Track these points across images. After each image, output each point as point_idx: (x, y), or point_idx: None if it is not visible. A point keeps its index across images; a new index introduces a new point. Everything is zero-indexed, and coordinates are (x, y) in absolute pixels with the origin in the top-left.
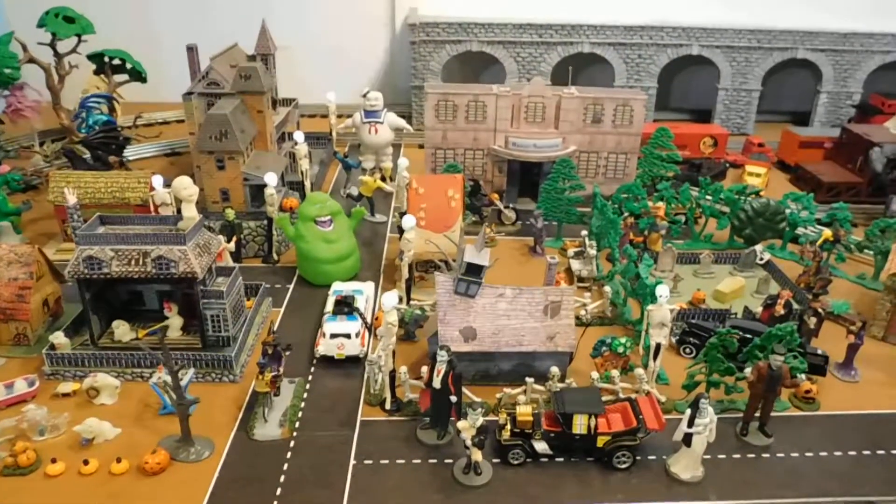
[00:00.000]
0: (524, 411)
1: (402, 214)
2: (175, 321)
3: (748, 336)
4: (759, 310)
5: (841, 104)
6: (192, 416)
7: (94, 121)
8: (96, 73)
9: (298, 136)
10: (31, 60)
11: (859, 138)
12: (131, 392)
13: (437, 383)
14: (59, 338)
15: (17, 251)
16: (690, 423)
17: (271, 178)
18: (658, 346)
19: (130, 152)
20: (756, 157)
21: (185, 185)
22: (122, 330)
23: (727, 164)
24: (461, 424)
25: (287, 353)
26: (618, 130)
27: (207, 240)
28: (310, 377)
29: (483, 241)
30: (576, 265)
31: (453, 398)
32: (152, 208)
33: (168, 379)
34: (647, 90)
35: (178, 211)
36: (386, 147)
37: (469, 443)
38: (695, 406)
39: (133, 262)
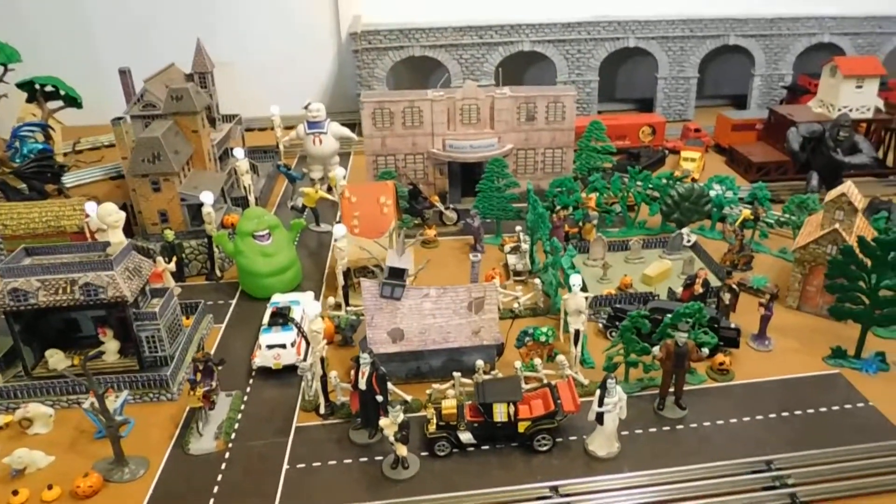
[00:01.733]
0: (449, 405)
1: (337, 223)
2: (111, 345)
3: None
4: (679, 290)
5: (774, 86)
6: (129, 437)
7: (28, 150)
8: (28, 101)
9: (238, 152)
10: None
11: (784, 118)
12: (68, 420)
13: (362, 385)
14: None
15: None
16: (601, 403)
17: (207, 197)
18: (577, 332)
19: (71, 179)
20: (692, 142)
21: (110, 212)
22: (56, 359)
23: (665, 152)
24: (383, 422)
25: (219, 367)
26: (551, 126)
27: (138, 263)
28: (248, 389)
29: (403, 245)
30: (512, 260)
31: (379, 398)
32: (88, 235)
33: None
34: (589, 84)
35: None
36: (332, 157)
37: (392, 439)
38: (603, 386)
39: (60, 290)
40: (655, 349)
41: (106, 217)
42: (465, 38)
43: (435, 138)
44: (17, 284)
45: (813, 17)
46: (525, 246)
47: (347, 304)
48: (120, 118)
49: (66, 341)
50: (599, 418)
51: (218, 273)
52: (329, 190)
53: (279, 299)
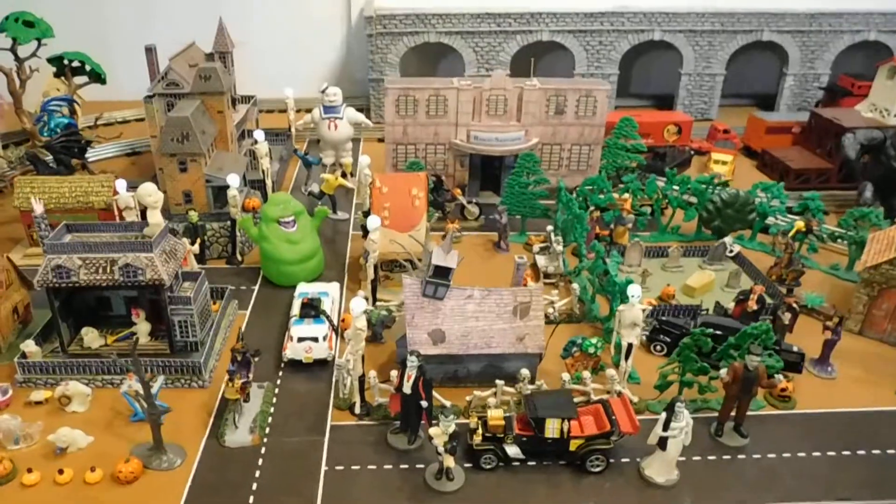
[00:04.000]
0: (496, 415)
1: (365, 214)
2: (143, 327)
3: (720, 333)
4: (730, 305)
5: (808, 87)
6: (164, 424)
7: (55, 124)
8: (56, 75)
9: (258, 134)
10: None
11: (829, 123)
12: (102, 399)
13: (407, 388)
14: (29, 346)
15: None
16: (666, 427)
17: (233, 180)
18: (630, 346)
19: (92, 154)
20: (721, 143)
21: (150, 192)
22: (90, 337)
23: (692, 152)
24: (433, 431)
25: (256, 359)
26: (581, 121)
27: (173, 246)
28: (278, 381)
29: (451, 242)
30: (542, 261)
31: (424, 403)
32: (116, 212)
33: (138, 387)
34: (609, 77)
35: (143, 214)
36: (346, 142)
37: (441, 449)
38: (670, 409)
39: (101, 270)
40: (722, 372)
41: (146, 197)
42: (482, 25)
43: (459, 129)
44: (61, 261)
45: (860, 13)
46: (558, 247)
47: (375, 299)
48: (151, 96)
49: (98, 319)
50: (662, 443)
51: (239, 257)
52: (343, 176)
53: (307, 289)
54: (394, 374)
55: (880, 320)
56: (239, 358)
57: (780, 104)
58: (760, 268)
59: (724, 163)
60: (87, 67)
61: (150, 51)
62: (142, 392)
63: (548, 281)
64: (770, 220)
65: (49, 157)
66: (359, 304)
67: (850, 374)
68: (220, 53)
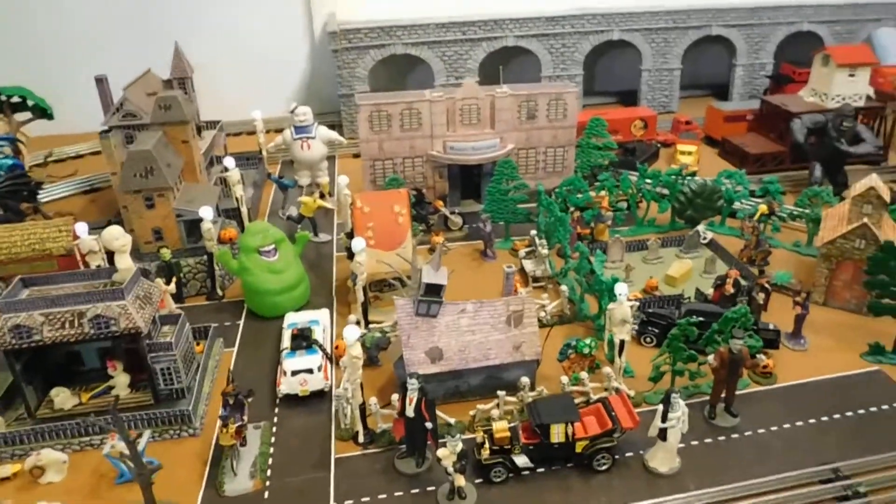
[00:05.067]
0: (500, 427)
1: (349, 235)
2: (121, 379)
3: (705, 320)
4: (710, 291)
5: (756, 75)
6: (156, 480)
7: None
8: None
9: (229, 161)
10: None
11: (778, 109)
12: (81, 464)
13: (410, 412)
14: None
15: None
16: (664, 418)
17: (206, 212)
18: (622, 342)
19: (44, 194)
20: (686, 135)
21: (116, 236)
22: (62, 397)
23: (658, 145)
24: (441, 453)
25: (249, 399)
26: (553, 125)
27: (147, 289)
28: (275, 419)
29: (439, 259)
30: (529, 265)
31: (429, 425)
32: (79, 258)
33: (122, 447)
34: (574, 78)
35: (110, 258)
36: (320, 162)
37: (451, 469)
38: (666, 401)
39: (67, 324)
40: (710, 358)
41: (112, 242)
42: (448, 34)
43: (434, 140)
44: (20, 320)
45: (792, 6)
46: (543, 250)
47: (367, 322)
48: (108, 131)
49: (69, 376)
50: (662, 434)
51: (219, 292)
52: (322, 196)
53: (295, 319)
54: (395, 398)
55: (841, 290)
56: (231, 401)
57: (733, 93)
58: (732, 251)
59: (690, 153)
60: (30, 102)
61: (100, 81)
62: (126, 452)
63: (536, 285)
64: (736, 205)
65: None
66: (352, 332)
67: (820, 343)
68: (178, 79)
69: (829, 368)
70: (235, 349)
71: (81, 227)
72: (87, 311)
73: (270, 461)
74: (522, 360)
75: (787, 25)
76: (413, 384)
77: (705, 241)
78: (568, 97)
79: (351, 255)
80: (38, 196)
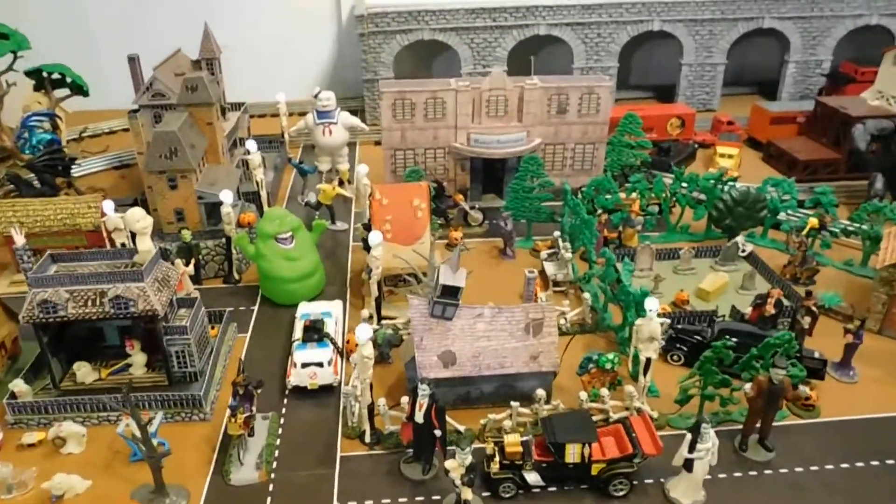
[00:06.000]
0: (512, 441)
1: (366, 227)
2: (138, 358)
3: (739, 341)
4: (748, 309)
5: (810, 73)
6: (165, 461)
7: (37, 140)
8: (36, 89)
9: (251, 144)
10: None
11: (836, 112)
12: (99, 437)
13: (419, 418)
14: (18, 385)
15: None
16: (691, 449)
17: (227, 196)
18: (648, 360)
19: (77, 169)
20: (727, 136)
21: (138, 218)
22: (83, 371)
23: (696, 146)
24: (450, 464)
25: (259, 390)
26: (584, 120)
27: (166, 272)
28: (283, 410)
29: (458, 260)
30: (550, 268)
31: (438, 433)
32: (105, 234)
33: (136, 428)
34: (608, 71)
35: (133, 236)
36: (341, 148)
37: (458, 482)
38: (696, 430)
39: (90, 302)
40: (747, 386)
41: (134, 223)
42: (477, 20)
43: (458, 131)
44: (47, 296)
45: None
46: (567, 254)
47: (380, 317)
48: (136, 110)
49: (91, 351)
50: (688, 465)
51: (236, 276)
52: (341, 184)
53: (308, 309)
54: (404, 400)
55: None
56: (241, 391)
57: (783, 92)
58: (773, 266)
59: (730, 156)
60: (68, 79)
61: (132, 60)
62: (139, 435)
63: (557, 289)
64: (781, 216)
65: (31, 177)
66: (364, 331)
67: (871, 375)
68: (206, 60)
69: (880, 406)
70: (248, 335)
71: (108, 205)
72: (109, 291)
73: (277, 453)
74: (539, 370)
75: (853, 19)
76: (424, 390)
77: (744, 255)
78: (601, 91)
79: (368, 247)
80: (72, 171)
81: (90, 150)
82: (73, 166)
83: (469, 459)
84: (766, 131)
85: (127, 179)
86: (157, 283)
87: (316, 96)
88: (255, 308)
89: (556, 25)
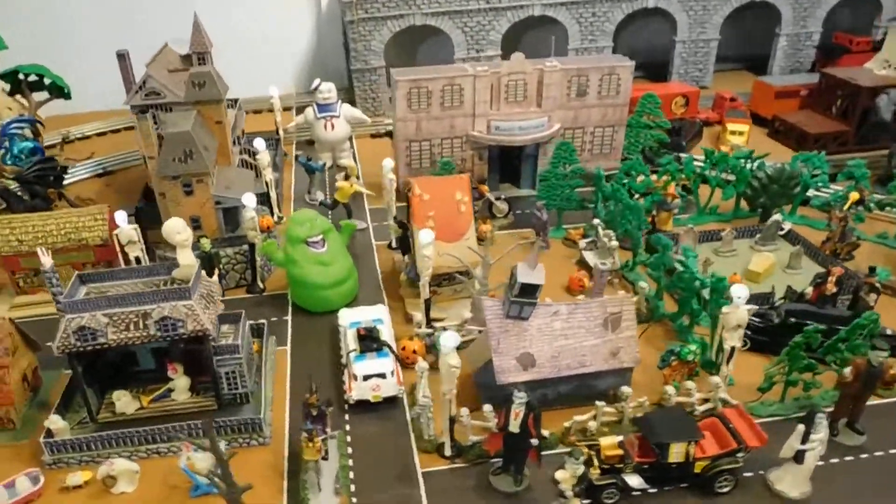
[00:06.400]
0: (610, 443)
1: (400, 224)
2: (181, 382)
3: (803, 322)
4: (809, 289)
5: (800, 47)
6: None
7: (18, 149)
8: (10, 93)
9: (258, 143)
10: None
11: (845, 83)
12: (150, 473)
13: (515, 427)
14: (56, 422)
15: None
16: (805, 439)
17: (249, 200)
18: (732, 349)
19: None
20: (734, 113)
21: (179, 230)
22: (124, 401)
23: (702, 124)
24: (560, 475)
25: (330, 409)
26: (603, 102)
27: (208, 287)
28: (346, 427)
29: (536, 256)
30: (590, 257)
31: (534, 442)
32: (118, 248)
33: (198, 458)
34: (602, 51)
35: (148, 249)
36: (343, 142)
37: (569, 493)
38: (809, 420)
39: (132, 326)
40: (846, 370)
41: (174, 235)
42: (470, 3)
43: (477, 119)
44: (84, 321)
45: None
46: (612, 242)
47: (430, 320)
48: (144, 110)
49: (124, 377)
50: (799, 456)
51: (260, 284)
52: (346, 179)
53: (356, 317)
54: (487, 409)
55: None
56: (314, 412)
57: (773, 66)
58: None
59: (741, 133)
60: (46, 81)
61: (122, 57)
62: (219, 472)
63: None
64: (811, 191)
65: (15, 188)
66: (451, 339)
67: None
68: (198, 54)
69: None
70: (288, 348)
71: (121, 216)
72: (153, 312)
73: (352, 475)
74: (620, 367)
75: None
76: (521, 397)
77: (782, 233)
78: (622, 72)
79: (404, 246)
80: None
81: (73, 157)
82: (64, 175)
83: (581, 469)
84: (770, 106)
85: (112, 187)
86: (203, 299)
87: (315, 89)
88: (289, 318)
89: (550, 6)
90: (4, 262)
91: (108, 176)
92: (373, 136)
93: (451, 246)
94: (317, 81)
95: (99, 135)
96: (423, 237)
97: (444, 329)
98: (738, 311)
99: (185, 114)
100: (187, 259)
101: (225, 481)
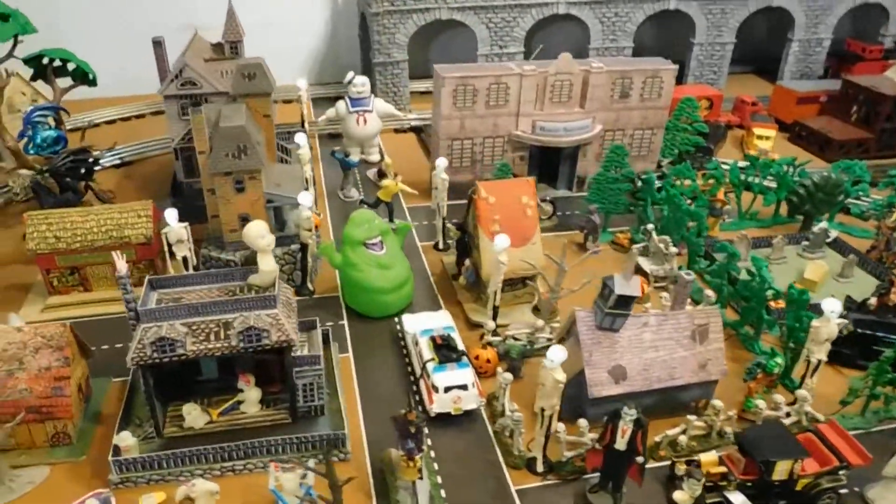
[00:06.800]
0: (711, 460)
1: (458, 227)
2: (252, 394)
3: (871, 332)
4: (872, 299)
5: (811, 52)
6: None
7: (42, 138)
8: (34, 78)
9: (300, 138)
10: None
11: (868, 91)
12: (226, 492)
13: (621, 445)
14: (125, 440)
15: (43, 333)
16: None
17: (306, 199)
18: (819, 362)
19: None
20: (760, 118)
21: (262, 234)
22: (194, 415)
23: (726, 127)
24: (679, 497)
25: (424, 424)
26: (644, 105)
27: (286, 294)
28: (428, 441)
29: (633, 266)
30: (644, 263)
31: (640, 459)
32: (166, 248)
33: (287, 478)
34: (623, 51)
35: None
36: (374, 137)
37: None
38: None
39: (212, 336)
40: None
41: (258, 240)
42: None
43: (520, 119)
44: (163, 331)
45: None
46: (672, 248)
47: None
48: (198, 102)
49: (185, 388)
50: None
51: (310, 286)
52: (384, 177)
53: (423, 323)
54: (583, 424)
55: None
56: (413, 430)
57: (784, 71)
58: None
59: (768, 138)
60: (71, 66)
61: (158, 44)
62: (289, 485)
63: (657, 285)
64: (851, 199)
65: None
66: (559, 353)
67: None
68: (231, 43)
69: None
70: (350, 355)
71: (171, 214)
72: (235, 322)
73: (443, 493)
74: (707, 379)
75: None
76: (631, 414)
77: (829, 240)
78: (665, 75)
79: (464, 249)
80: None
81: (97, 146)
82: (94, 168)
83: (699, 490)
84: (791, 112)
85: (132, 178)
86: (285, 308)
87: (349, 82)
88: (345, 323)
89: (574, 4)
90: (39, 260)
91: (126, 167)
92: (396, 130)
93: (518, 251)
94: (350, 74)
95: (108, 123)
96: (500, 242)
97: (514, 338)
98: (830, 324)
99: (236, 107)
100: (269, 265)
101: None
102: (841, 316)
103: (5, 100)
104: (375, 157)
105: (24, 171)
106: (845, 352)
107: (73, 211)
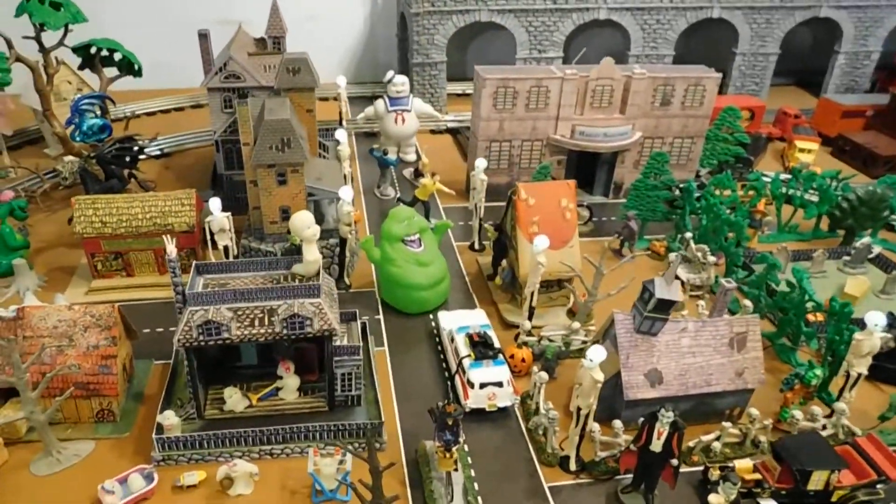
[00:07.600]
0: (745, 467)
1: (496, 227)
2: (291, 382)
3: None
4: None
5: (858, 65)
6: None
7: (87, 126)
8: (81, 67)
9: (340, 134)
10: (18, 59)
11: None
12: (265, 474)
13: (657, 447)
14: (169, 418)
15: (92, 313)
16: None
17: (346, 193)
18: (859, 376)
19: None
20: (803, 130)
21: (308, 224)
22: (235, 399)
23: (766, 139)
24: (714, 500)
25: (461, 417)
26: (686, 112)
27: (329, 284)
28: (462, 437)
29: (674, 271)
30: (681, 271)
31: (675, 461)
32: (209, 237)
33: (325, 463)
34: (663, 59)
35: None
36: (412, 137)
37: None
38: None
39: (257, 322)
40: None
41: (304, 230)
42: (536, 2)
43: (560, 123)
44: (210, 315)
45: None
46: (711, 258)
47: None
48: (244, 95)
49: (224, 373)
50: None
51: (347, 281)
52: (420, 176)
53: (460, 321)
54: (618, 425)
55: None
56: (450, 422)
57: (829, 84)
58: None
59: (810, 151)
60: (117, 56)
61: (204, 37)
62: (328, 470)
63: (693, 294)
64: (894, 216)
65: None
66: (598, 353)
67: None
68: (274, 38)
69: None
70: (386, 349)
71: (215, 203)
72: (279, 309)
73: (477, 486)
74: (744, 387)
75: None
76: (668, 416)
77: (871, 256)
78: (708, 83)
79: (501, 250)
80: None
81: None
82: (139, 157)
83: (735, 495)
84: (835, 125)
85: (172, 169)
86: (327, 297)
87: (389, 81)
88: (381, 317)
89: (616, 10)
90: (85, 244)
91: (164, 158)
92: (433, 131)
93: (556, 253)
94: (390, 73)
95: (148, 114)
96: (539, 243)
97: (550, 339)
98: (873, 338)
99: (280, 100)
100: (313, 254)
101: (374, 493)
102: (884, 330)
103: (53, 88)
104: (412, 157)
105: (70, 158)
106: (888, 366)
107: (119, 197)
